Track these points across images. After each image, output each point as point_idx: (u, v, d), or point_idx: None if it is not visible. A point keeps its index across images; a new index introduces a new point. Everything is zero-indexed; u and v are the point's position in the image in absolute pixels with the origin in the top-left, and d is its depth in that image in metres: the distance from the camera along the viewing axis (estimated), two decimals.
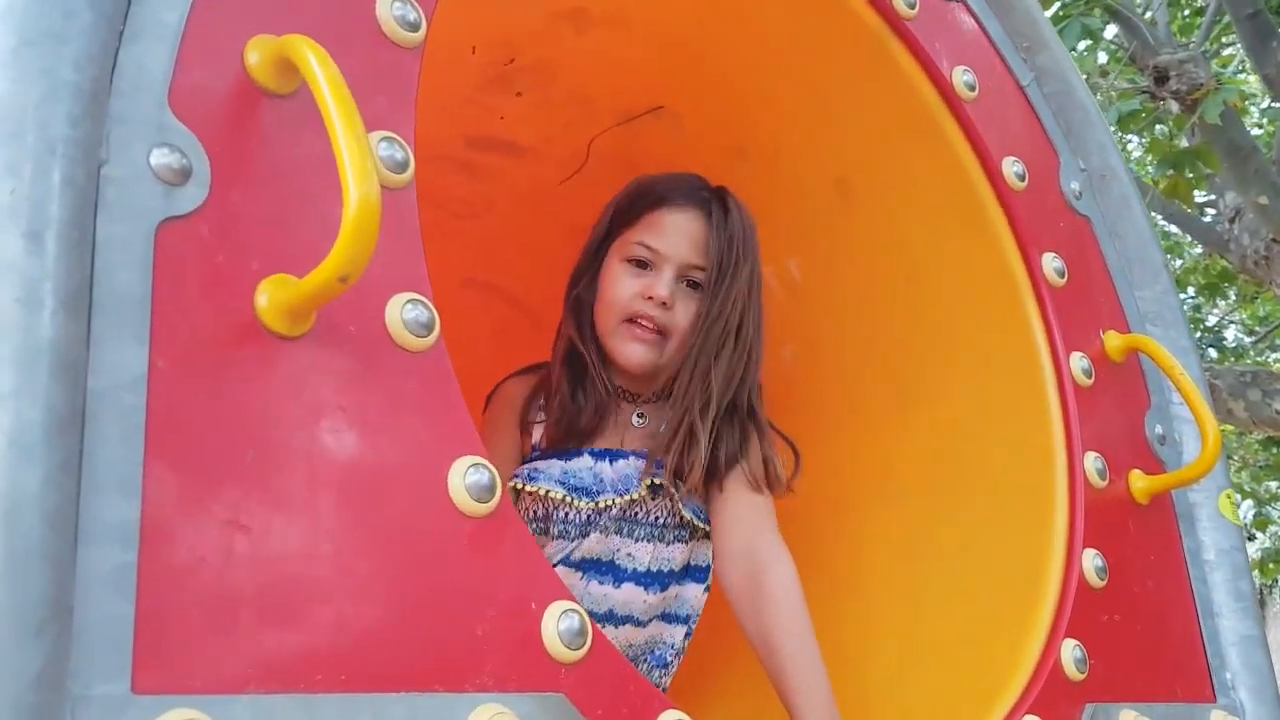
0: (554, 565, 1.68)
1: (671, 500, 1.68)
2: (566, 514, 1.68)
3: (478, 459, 1.11)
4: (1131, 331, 2.04)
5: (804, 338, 2.25)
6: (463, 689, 1.03)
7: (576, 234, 2.39)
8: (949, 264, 2.01)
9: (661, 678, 1.74)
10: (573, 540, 1.68)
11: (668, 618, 1.73)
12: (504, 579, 1.10)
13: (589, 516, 1.67)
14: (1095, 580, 1.74)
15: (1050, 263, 1.93)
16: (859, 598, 2.03)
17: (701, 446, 1.62)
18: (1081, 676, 1.65)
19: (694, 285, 1.71)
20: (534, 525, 1.71)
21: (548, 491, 1.67)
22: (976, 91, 1.93)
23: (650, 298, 1.67)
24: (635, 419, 1.76)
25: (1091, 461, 1.83)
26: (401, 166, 1.14)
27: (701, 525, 1.72)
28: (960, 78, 1.91)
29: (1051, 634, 1.68)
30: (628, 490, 1.68)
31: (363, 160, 0.96)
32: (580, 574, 1.68)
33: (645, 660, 1.72)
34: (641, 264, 1.71)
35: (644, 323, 1.68)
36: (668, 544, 1.70)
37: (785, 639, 1.52)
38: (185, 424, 0.93)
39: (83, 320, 0.87)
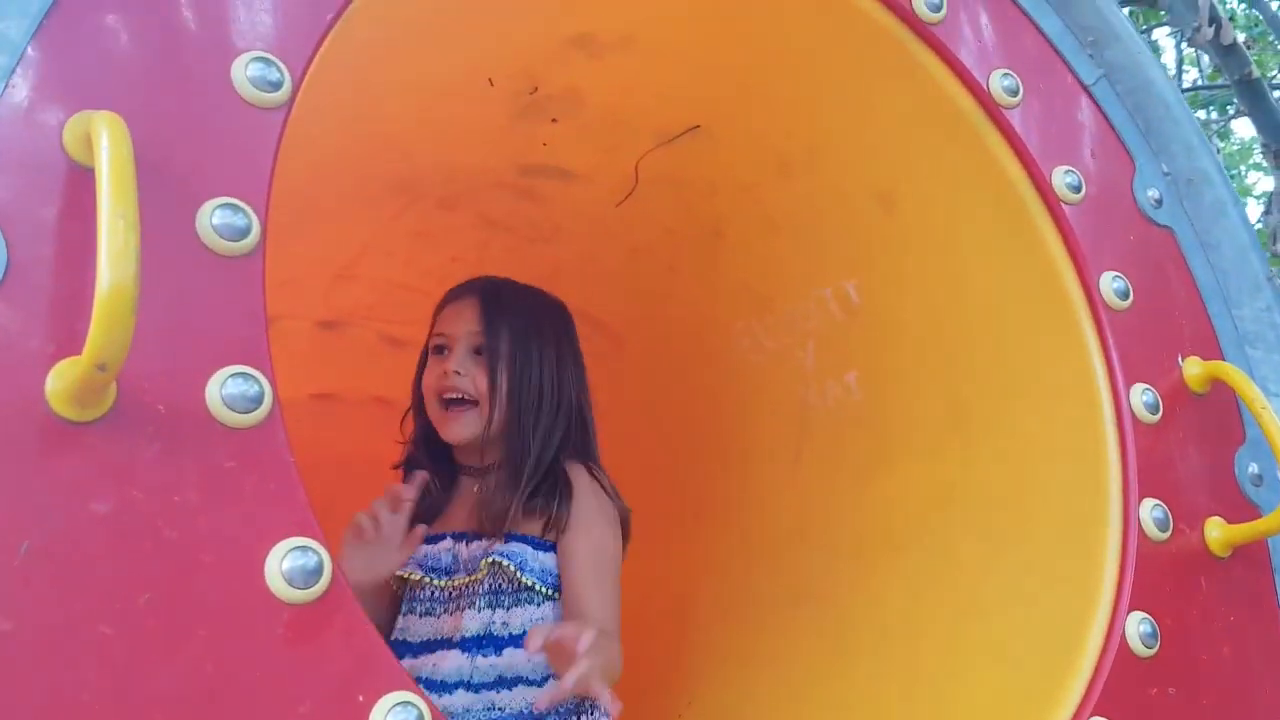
0: (436, 650, 1.75)
1: (508, 571, 1.74)
2: (431, 593, 1.79)
3: (305, 541, 1.07)
4: (1226, 356, 1.79)
5: (865, 362, 2.10)
6: None
7: (639, 254, 2.35)
8: (1002, 284, 1.82)
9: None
10: (439, 617, 1.77)
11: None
12: (326, 669, 1.06)
13: (449, 594, 1.77)
14: (1140, 648, 1.53)
15: (1110, 283, 1.71)
16: (905, 647, 1.86)
17: (518, 504, 1.76)
18: None
19: (481, 353, 1.86)
20: (405, 606, 1.82)
21: (408, 574, 1.79)
22: (1019, 96, 1.73)
23: (445, 372, 1.83)
24: (474, 490, 1.87)
25: (1149, 510, 1.61)
26: (241, 234, 1.11)
27: (546, 589, 1.76)
28: (999, 83, 1.72)
29: (1078, 712, 1.49)
30: (475, 570, 1.76)
31: (121, 244, 0.93)
32: (466, 654, 1.73)
33: (553, 714, 1.72)
34: (439, 350, 1.88)
35: (450, 395, 1.82)
36: (538, 605, 1.75)
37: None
38: None
39: None
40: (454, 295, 1.93)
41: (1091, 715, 1.48)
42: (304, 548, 1.07)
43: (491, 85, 1.95)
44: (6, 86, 1.04)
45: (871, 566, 1.99)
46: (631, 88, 1.98)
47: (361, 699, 1.06)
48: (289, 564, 1.05)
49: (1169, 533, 1.61)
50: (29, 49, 1.06)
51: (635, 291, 2.47)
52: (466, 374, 1.82)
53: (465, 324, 1.86)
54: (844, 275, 2.07)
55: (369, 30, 1.38)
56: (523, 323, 1.86)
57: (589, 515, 1.78)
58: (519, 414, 1.81)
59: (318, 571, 1.06)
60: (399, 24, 1.57)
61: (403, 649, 1.76)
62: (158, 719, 0.99)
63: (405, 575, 1.79)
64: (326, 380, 2.78)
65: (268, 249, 1.16)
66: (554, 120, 2.07)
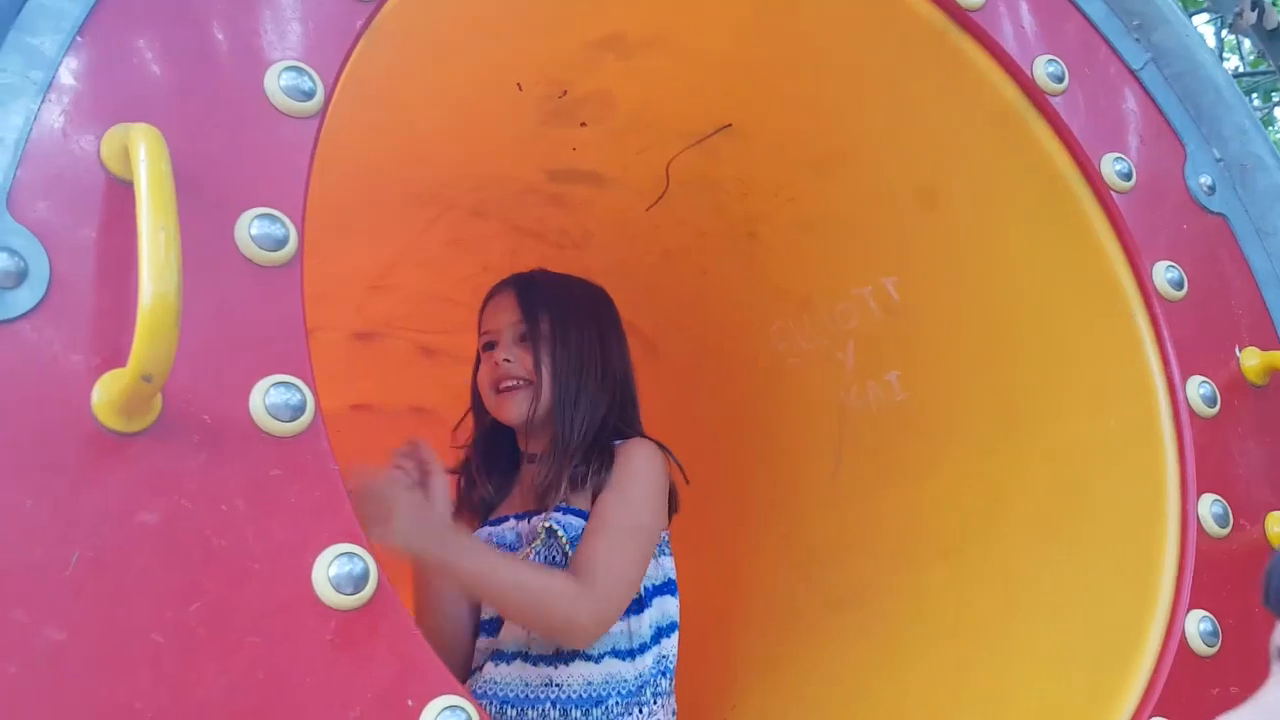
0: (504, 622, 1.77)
1: (560, 540, 1.75)
2: None
3: (351, 548, 1.06)
4: None
5: (907, 360, 2.06)
6: None
7: (671, 258, 2.32)
8: (1051, 277, 1.79)
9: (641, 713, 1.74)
10: None
11: (619, 654, 1.75)
12: (375, 674, 1.04)
13: None
14: (1201, 647, 1.49)
15: (1164, 273, 1.67)
16: (957, 650, 1.83)
17: (564, 475, 1.79)
18: None
19: (525, 339, 1.91)
20: None
21: None
22: (1065, 83, 1.70)
23: (496, 364, 1.89)
24: (535, 474, 1.89)
25: (1208, 506, 1.57)
26: (279, 243, 1.10)
27: None
28: (1043, 69, 1.69)
29: (1137, 712, 1.45)
30: (534, 539, 1.79)
31: (163, 256, 0.93)
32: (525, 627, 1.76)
33: (613, 695, 1.73)
34: (488, 346, 1.94)
35: (505, 384, 1.88)
36: None
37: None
38: (1, 529, 0.92)
39: None
40: (493, 293, 2.00)
41: (1152, 716, 1.45)
42: (350, 554, 1.06)
43: (520, 90, 1.94)
44: (43, 102, 1.04)
45: (920, 570, 1.96)
46: (662, 88, 1.95)
47: (411, 703, 1.05)
48: (336, 570, 1.04)
49: (1229, 528, 1.57)
50: (64, 64, 1.06)
51: (668, 296, 2.44)
52: (515, 360, 1.88)
53: (506, 316, 1.93)
54: (884, 273, 2.04)
55: (398, 39, 1.37)
56: (560, 305, 1.92)
57: (625, 478, 1.79)
58: (563, 390, 1.86)
59: (364, 577, 1.05)
60: (427, 32, 1.56)
61: (484, 627, 1.83)
62: None
63: None
64: (364, 391, 2.78)
65: (307, 265, 1.15)
66: (583, 124, 2.05)
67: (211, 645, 0.99)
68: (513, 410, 1.87)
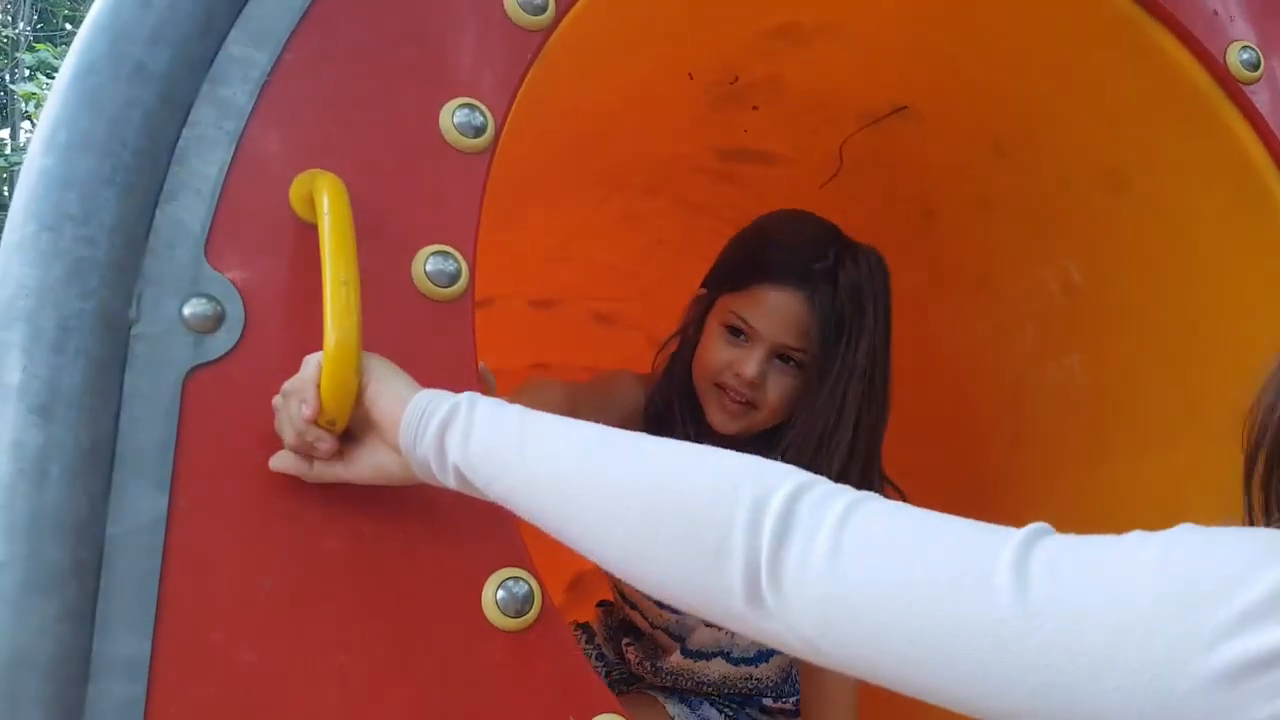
0: (671, 656, 1.76)
1: None
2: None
3: (517, 572, 1.12)
4: None
5: (1089, 346, 2.01)
6: None
7: None
8: (1243, 271, 1.70)
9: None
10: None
11: None
12: (540, 692, 1.11)
13: None
14: None
15: None
16: None
17: None
18: None
19: (788, 360, 1.60)
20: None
21: None
22: (1260, 70, 1.61)
23: (739, 374, 1.58)
24: None
25: None
26: (452, 279, 1.16)
27: None
28: (1236, 56, 1.60)
29: None
30: None
31: (343, 306, 0.99)
32: (698, 659, 1.75)
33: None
34: (737, 332, 1.60)
35: (731, 395, 1.60)
36: None
37: None
38: (203, 558, 1.02)
39: (95, 477, 0.98)
40: (777, 274, 1.59)
41: None
42: (517, 578, 1.11)
43: (691, 79, 1.95)
44: (235, 152, 1.11)
45: None
46: (835, 73, 1.93)
47: None
48: (504, 593, 1.10)
49: None
50: (254, 113, 1.13)
51: None
52: (763, 386, 1.58)
53: (778, 330, 1.57)
54: (1065, 256, 1.98)
55: (569, 54, 1.40)
56: (856, 329, 1.56)
57: None
58: (813, 427, 1.55)
59: (529, 599, 1.11)
60: (599, 42, 1.58)
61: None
62: None
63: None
64: (541, 353, 2.88)
65: (490, 239, 1.21)
66: (755, 107, 2.05)
67: (392, 665, 1.06)
68: (727, 426, 1.59)
